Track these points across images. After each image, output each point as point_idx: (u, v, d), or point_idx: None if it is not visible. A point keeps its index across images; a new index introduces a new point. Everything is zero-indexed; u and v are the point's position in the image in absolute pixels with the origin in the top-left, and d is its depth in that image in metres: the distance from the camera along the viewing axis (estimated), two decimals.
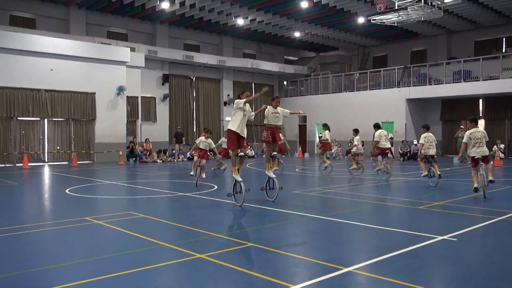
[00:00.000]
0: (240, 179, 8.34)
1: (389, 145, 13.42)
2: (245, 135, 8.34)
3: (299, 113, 10.33)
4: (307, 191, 10.73)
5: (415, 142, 22.41)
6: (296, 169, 16.97)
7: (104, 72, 21.46)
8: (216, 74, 28.83)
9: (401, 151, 22.52)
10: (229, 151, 9.36)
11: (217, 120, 28.10)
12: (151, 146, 23.04)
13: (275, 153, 9.12)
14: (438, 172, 11.31)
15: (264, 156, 14.63)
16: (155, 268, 4.59)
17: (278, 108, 9.38)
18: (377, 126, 13.50)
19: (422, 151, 11.59)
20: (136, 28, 25.60)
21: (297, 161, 22.63)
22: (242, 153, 8.31)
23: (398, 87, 25.59)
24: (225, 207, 8.42)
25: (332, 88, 29.30)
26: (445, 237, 5.84)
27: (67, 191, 10.70)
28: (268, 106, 9.34)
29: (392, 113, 25.39)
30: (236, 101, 8.41)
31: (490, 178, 9.46)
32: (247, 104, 8.44)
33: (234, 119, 8.27)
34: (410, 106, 25.22)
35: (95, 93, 21.35)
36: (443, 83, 24.15)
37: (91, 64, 21.12)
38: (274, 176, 8.88)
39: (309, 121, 29.89)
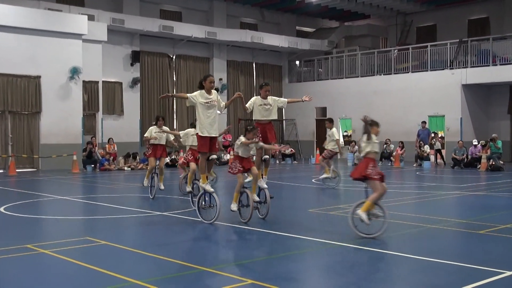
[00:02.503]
0: (211, 189, 8.72)
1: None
2: (217, 134, 8.86)
3: (303, 101, 10.07)
4: (328, 209, 10.69)
5: (475, 143, 22.33)
6: (313, 180, 16.94)
7: (52, 48, 21.47)
8: (204, 51, 28.83)
9: (455, 155, 22.33)
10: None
11: None
12: (116, 148, 23.05)
13: (266, 156, 9.34)
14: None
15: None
16: None
17: (269, 98, 9.47)
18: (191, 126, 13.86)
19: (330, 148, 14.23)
20: None
21: (314, 168, 22.59)
22: (214, 156, 8.81)
23: (451, 69, 25.56)
24: (212, 230, 8.43)
25: (361, 70, 29.28)
26: None
27: (2, 209, 10.67)
28: (255, 97, 9.46)
29: (442, 103, 25.35)
30: (189, 95, 8.77)
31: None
32: (214, 92, 8.85)
33: (198, 118, 8.73)
34: (467, 94, 25.18)
35: (40, 76, 21.35)
36: None
37: (35, 37, 21.12)
38: (266, 186, 9.10)
39: (330, 114, 29.77)
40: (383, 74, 28.23)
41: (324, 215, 10.04)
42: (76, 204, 12.09)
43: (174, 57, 27.76)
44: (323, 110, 30.26)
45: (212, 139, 8.78)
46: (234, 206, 8.82)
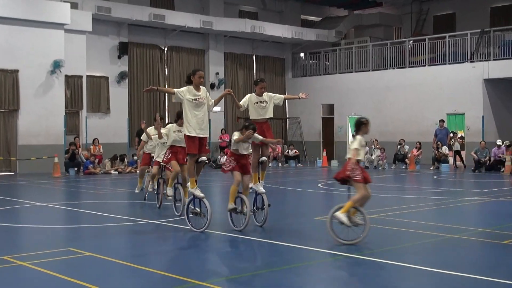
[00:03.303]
0: (201, 194, 8.79)
1: None
2: (206, 135, 8.96)
3: (299, 98, 10.11)
4: None
5: (498, 144, 22.28)
6: (319, 184, 16.95)
7: (31, 39, 21.45)
8: (199, 42, 28.81)
9: (475, 154, 22.23)
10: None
11: None
12: (101, 150, 23.05)
13: (264, 158, 9.41)
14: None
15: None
16: None
17: (265, 94, 9.58)
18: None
19: None
20: None
21: (320, 172, 22.60)
22: (203, 158, 8.92)
23: (471, 62, 25.56)
24: (203, 240, 8.45)
25: (372, 63, 29.26)
26: None
27: None
28: (249, 94, 9.58)
29: (462, 100, 25.33)
30: (176, 91, 8.95)
31: None
32: (203, 89, 9.01)
33: (185, 116, 8.86)
34: (489, 89, 25.16)
35: (18, 70, 21.35)
36: None
37: (13, 27, 21.10)
38: (263, 191, 9.15)
39: (338, 113, 29.86)
40: (397, 68, 28.21)
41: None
42: (58, 212, 12.07)
43: (165, 49, 27.73)
44: (331, 108, 30.21)
45: (201, 140, 8.87)
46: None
